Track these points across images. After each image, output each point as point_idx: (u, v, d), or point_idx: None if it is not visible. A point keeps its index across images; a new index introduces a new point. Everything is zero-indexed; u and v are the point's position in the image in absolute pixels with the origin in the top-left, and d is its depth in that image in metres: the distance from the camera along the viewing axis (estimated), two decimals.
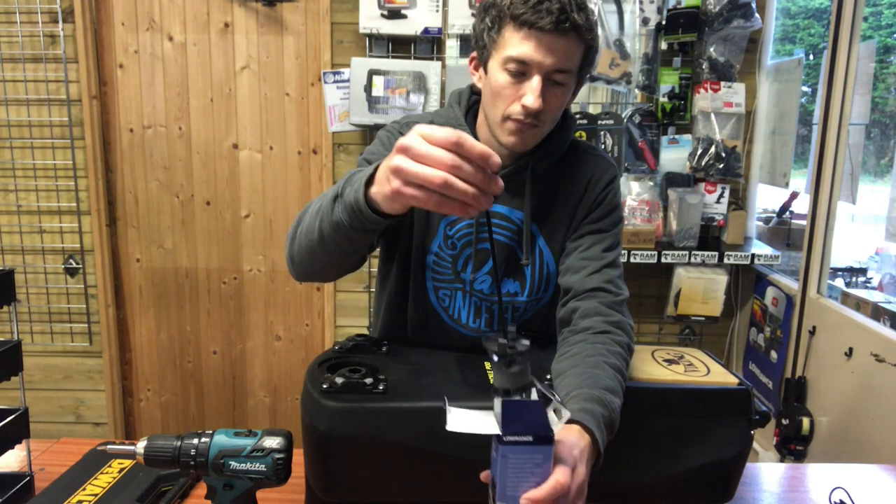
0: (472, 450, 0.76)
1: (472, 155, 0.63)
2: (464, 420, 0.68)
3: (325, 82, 2.37)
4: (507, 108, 0.97)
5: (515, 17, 0.93)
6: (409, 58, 2.35)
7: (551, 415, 0.68)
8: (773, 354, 2.27)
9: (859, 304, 2.04)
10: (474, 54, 1.05)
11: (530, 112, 0.94)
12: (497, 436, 0.66)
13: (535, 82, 0.93)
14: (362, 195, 0.74)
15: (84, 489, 0.93)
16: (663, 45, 2.30)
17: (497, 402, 0.68)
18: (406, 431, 0.80)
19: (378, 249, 1.17)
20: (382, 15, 2.26)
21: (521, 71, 0.94)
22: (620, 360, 0.90)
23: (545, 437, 0.66)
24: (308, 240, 0.86)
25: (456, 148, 0.63)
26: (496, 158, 0.64)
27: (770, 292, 2.32)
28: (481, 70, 1.03)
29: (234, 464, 0.75)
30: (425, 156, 0.64)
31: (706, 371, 0.93)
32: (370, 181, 0.74)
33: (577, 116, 2.31)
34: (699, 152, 2.33)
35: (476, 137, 1.06)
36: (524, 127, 0.97)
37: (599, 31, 2.24)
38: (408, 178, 0.65)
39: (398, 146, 0.66)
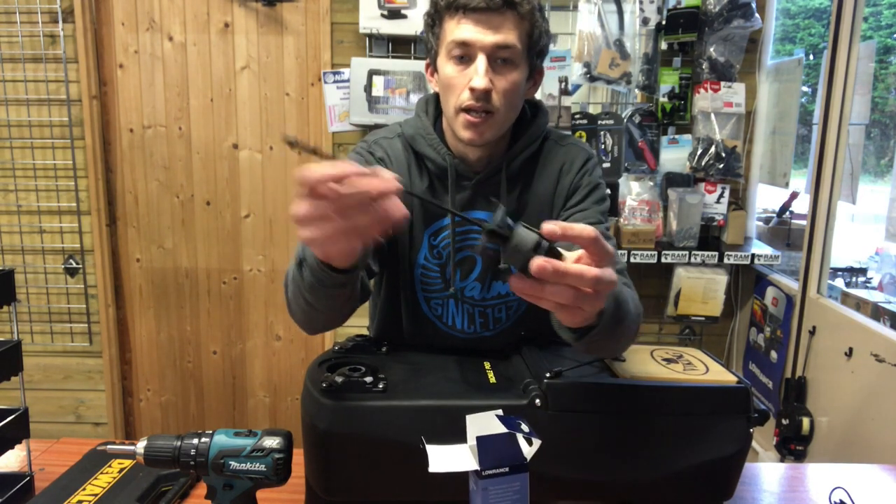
0: None
1: (323, 179, 0.60)
2: (444, 459, 0.71)
3: (325, 82, 2.37)
4: (458, 99, 0.96)
5: (449, 5, 0.94)
6: (409, 58, 2.35)
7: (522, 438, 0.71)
8: (773, 354, 2.27)
9: (859, 304, 2.04)
10: (427, 60, 1.05)
11: (479, 94, 0.93)
12: (476, 471, 0.70)
13: (480, 62, 0.93)
14: (313, 257, 0.74)
15: (84, 489, 0.93)
16: (663, 45, 2.30)
17: (471, 437, 0.71)
18: (406, 430, 0.80)
19: None
20: (382, 15, 2.27)
21: (464, 55, 0.95)
22: (627, 290, 0.88)
23: (520, 465, 0.70)
24: (298, 306, 0.86)
25: (314, 182, 0.61)
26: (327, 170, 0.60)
27: (770, 292, 2.32)
28: (435, 74, 1.02)
29: (234, 464, 0.75)
30: (302, 201, 0.63)
31: (705, 370, 0.93)
32: None
33: (577, 116, 2.31)
34: (699, 152, 2.34)
35: (444, 142, 1.05)
36: (478, 118, 0.95)
37: (599, 31, 2.28)
38: (300, 222, 0.64)
39: (294, 220, 0.66)
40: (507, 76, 0.95)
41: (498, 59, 0.94)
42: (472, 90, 0.93)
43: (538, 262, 0.60)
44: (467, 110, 0.96)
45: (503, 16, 0.93)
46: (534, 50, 0.98)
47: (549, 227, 0.62)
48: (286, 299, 0.91)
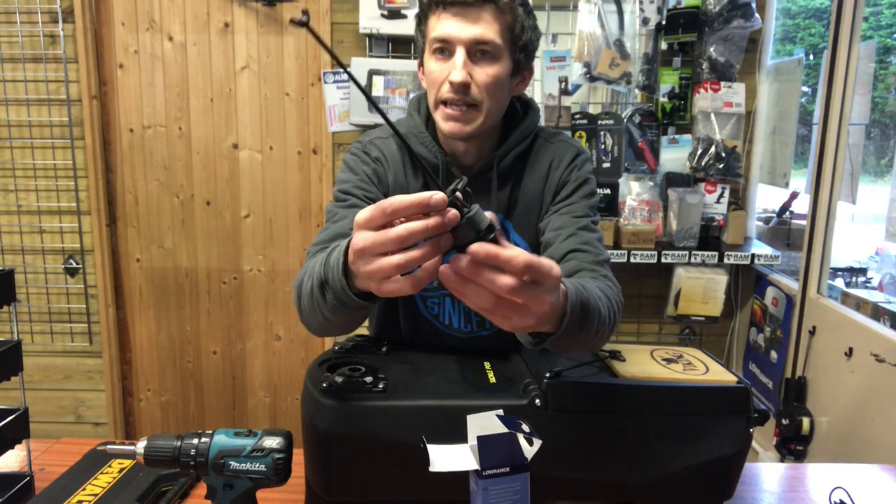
0: None
1: (410, 208, 0.60)
2: (445, 458, 0.71)
3: (325, 82, 2.37)
4: (438, 92, 0.97)
5: (430, 1, 0.96)
6: (409, 58, 2.35)
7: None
8: (773, 354, 2.27)
9: (859, 304, 2.04)
10: (419, 59, 1.06)
11: (458, 87, 0.94)
12: (476, 471, 0.70)
13: (458, 56, 0.95)
14: (347, 288, 0.73)
15: (84, 489, 0.93)
16: (663, 45, 2.30)
17: (472, 437, 0.71)
18: (406, 429, 0.80)
19: None
20: (382, 15, 2.27)
21: (444, 49, 0.96)
22: (601, 285, 0.88)
23: (521, 465, 0.70)
24: (315, 320, 0.85)
25: (392, 215, 0.61)
26: (436, 197, 0.59)
27: (770, 292, 2.32)
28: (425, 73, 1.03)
29: (234, 464, 0.75)
30: (382, 243, 0.61)
31: (705, 370, 0.93)
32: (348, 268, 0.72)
33: (577, 116, 2.31)
34: (699, 152, 2.34)
35: (436, 140, 1.06)
36: (458, 110, 0.97)
37: (599, 31, 2.28)
38: (383, 274, 0.63)
39: (354, 250, 0.64)
40: (486, 69, 0.96)
41: (477, 52, 0.96)
42: (451, 83, 0.95)
43: (475, 245, 0.59)
44: (446, 103, 0.97)
45: (481, 9, 0.94)
46: (516, 44, 0.99)
47: (475, 248, 0.59)
48: (299, 309, 0.91)
